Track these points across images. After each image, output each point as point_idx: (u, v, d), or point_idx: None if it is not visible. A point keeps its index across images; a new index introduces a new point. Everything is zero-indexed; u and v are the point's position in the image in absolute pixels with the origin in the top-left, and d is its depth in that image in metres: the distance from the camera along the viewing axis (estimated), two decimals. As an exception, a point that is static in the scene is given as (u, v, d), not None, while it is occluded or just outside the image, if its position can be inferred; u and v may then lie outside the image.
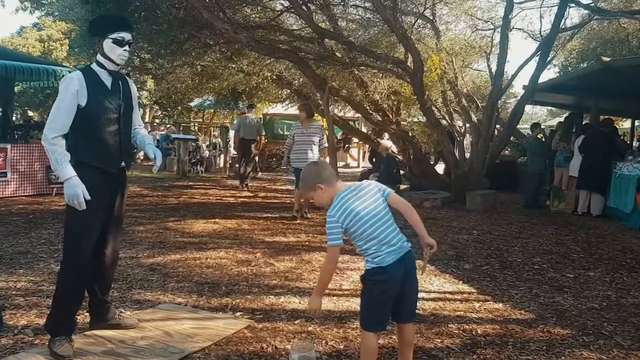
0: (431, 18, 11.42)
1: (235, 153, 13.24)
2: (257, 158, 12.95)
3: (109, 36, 3.11)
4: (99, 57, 3.17)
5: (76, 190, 2.94)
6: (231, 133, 14.86)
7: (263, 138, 12.96)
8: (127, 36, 3.16)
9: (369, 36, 11.38)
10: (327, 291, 4.33)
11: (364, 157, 19.32)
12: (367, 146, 18.12)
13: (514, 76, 11.41)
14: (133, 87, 3.38)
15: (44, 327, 3.21)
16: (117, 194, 3.26)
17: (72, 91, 3.01)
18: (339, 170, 11.76)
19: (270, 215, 8.23)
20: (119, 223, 3.39)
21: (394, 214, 2.75)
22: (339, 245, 2.66)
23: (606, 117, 11.51)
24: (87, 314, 3.44)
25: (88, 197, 2.96)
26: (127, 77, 3.39)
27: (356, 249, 2.74)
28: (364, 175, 10.72)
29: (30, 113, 25.15)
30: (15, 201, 8.71)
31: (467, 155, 11.93)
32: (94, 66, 3.18)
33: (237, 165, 12.64)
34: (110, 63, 3.16)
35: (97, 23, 3.27)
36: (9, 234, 6.24)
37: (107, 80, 3.17)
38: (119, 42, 3.12)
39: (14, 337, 3.28)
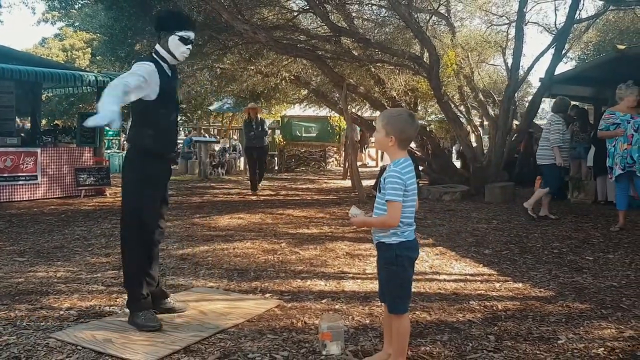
0: (446, 15, 11.52)
1: None
2: None
3: (177, 33, 3.25)
4: (161, 51, 3.28)
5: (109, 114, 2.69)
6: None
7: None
8: (192, 35, 3.32)
9: (385, 34, 11.52)
10: (351, 275, 4.53)
11: (382, 157, 19.38)
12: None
13: (530, 69, 11.45)
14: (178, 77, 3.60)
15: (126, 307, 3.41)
16: (167, 179, 3.46)
17: (150, 70, 3.11)
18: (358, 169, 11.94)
19: (291, 211, 8.41)
20: (167, 205, 3.59)
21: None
22: (401, 203, 2.55)
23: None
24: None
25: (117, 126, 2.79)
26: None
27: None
28: (383, 170, 10.84)
29: (56, 121, 25.72)
30: (46, 203, 9.02)
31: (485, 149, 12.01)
32: (156, 58, 3.28)
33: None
34: (171, 58, 3.30)
35: (166, 18, 3.38)
36: (44, 232, 6.52)
37: (169, 72, 3.33)
38: (185, 40, 3.27)
39: (60, 316, 3.50)
